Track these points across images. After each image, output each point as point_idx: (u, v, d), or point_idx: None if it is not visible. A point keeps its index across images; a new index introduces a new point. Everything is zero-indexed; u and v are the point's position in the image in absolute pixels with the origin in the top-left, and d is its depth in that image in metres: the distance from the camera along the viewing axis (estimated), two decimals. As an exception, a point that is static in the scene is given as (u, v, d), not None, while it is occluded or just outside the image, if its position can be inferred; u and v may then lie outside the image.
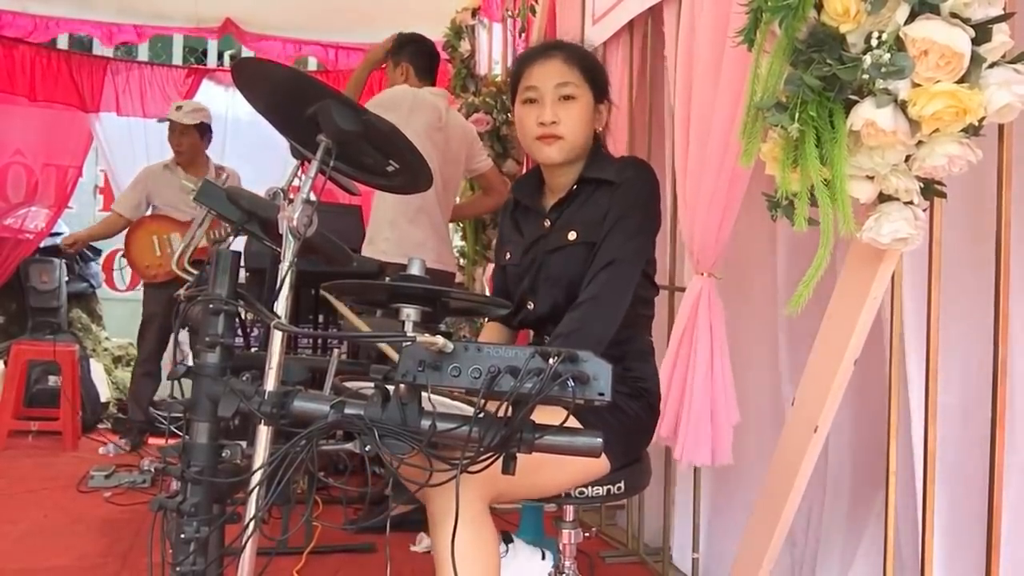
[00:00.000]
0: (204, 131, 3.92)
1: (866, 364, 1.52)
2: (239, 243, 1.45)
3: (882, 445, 1.52)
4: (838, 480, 2.05)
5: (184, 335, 1.28)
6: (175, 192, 3.81)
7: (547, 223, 1.59)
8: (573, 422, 1.02)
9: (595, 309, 1.44)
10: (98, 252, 5.40)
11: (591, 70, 1.57)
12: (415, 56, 2.99)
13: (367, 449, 1.02)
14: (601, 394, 0.97)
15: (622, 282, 1.47)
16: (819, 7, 1.25)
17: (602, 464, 1.44)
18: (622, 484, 1.52)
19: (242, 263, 1.25)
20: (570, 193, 1.58)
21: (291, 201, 1.17)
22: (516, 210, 1.69)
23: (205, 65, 5.75)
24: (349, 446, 1.07)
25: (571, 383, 0.97)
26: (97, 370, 4.80)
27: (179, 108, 3.86)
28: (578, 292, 1.49)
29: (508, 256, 1.66)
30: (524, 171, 3.70)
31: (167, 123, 3.86)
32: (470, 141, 3.05)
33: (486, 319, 1.80)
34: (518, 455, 1.06)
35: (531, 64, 1.57)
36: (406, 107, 2.76)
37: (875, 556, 1.77)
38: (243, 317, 1.22)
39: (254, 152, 4.80)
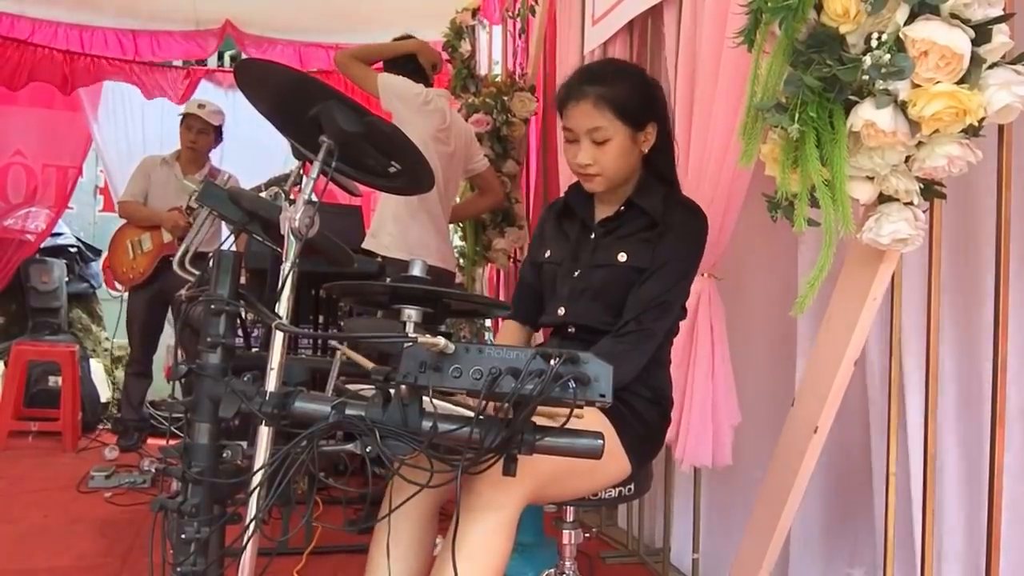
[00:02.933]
0: (219, 134, 4.03)
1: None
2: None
3: (868, 445, 1.52)
4: (833, 480, 2.05)
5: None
6: (168, 188, 3.91)
7: (593, 235, 1.63)
8: (574, 424, 1.02)
9: (632, 348, 1.49)
10: (98, 252, 5.39)
11: (623, 106, 1.53)
12: (406, 61, 3.01)
13: (368, 450, 1.02)
14: (602, 395, 0.98)
15: (661, 324, 1.53)
16: (819, 7, 1.25)
17: (626, 467, 1.49)
18: (632, 486, 1.56)
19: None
20: (618, 213, 1.61)
21: (293, 202, 1.17)
22: (563, 213, 1.72)
23: (204, 65, 5.74)
24: (350, 447, 1.07)
25: (572, 385, 0.97)
26: (97, 370, 4.79)
27: (202, 107, 3.95)
28: (615, 310, 1.54)
29: (548, 254, 1.69)
30: (525, 172, 3.71)
31: (180, 117, 3.94)
32: (469, 142, 3.06)
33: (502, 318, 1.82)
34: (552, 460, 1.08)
35: (565, 104, 1.58)
36: (415, 104, 2.76)
37: (872, 559, 1.76)
38: (244, 318, 1.22)
39: (253, 152, 4.79)
